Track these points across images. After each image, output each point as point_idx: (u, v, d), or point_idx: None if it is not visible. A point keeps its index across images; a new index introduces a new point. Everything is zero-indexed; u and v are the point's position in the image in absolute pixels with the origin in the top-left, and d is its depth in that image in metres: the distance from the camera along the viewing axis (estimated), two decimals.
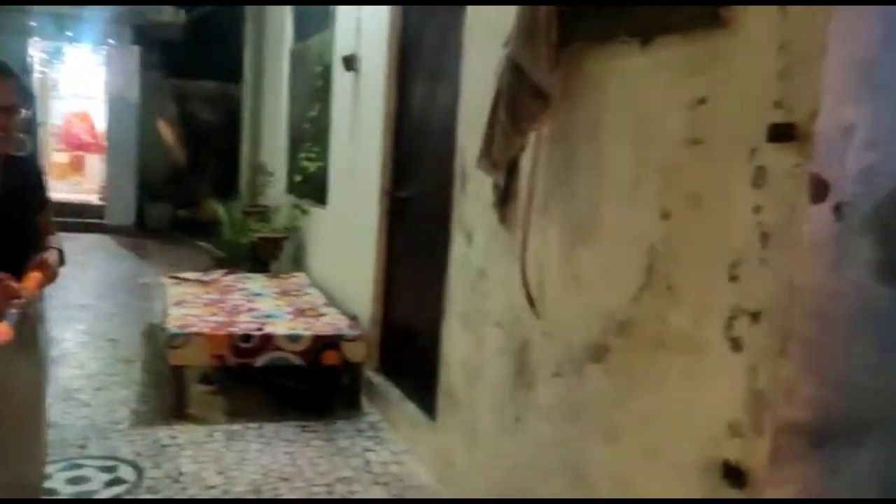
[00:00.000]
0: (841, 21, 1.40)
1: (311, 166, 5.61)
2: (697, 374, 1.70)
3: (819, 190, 1.43)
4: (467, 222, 2.94)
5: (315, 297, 4.77)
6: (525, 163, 2.35)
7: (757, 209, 1.54)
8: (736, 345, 1.59)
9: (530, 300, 2.37)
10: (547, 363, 2.33)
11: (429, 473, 3.21)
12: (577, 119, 2.17)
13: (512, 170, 2.31)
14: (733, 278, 1.60)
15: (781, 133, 1.45)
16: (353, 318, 4.26)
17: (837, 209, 1.45)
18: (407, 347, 3.86)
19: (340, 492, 3.05)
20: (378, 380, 4.04)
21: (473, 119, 2.81)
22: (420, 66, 3.79)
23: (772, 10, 1.51)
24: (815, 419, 1.52)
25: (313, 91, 5.71)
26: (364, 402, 3.95)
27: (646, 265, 1.87)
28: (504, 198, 2.35)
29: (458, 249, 3.02)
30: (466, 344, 2.91)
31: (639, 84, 1.93)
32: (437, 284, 3.21)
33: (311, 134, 5.76)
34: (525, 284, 2.37)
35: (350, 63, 4.67)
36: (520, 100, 2.19)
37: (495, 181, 2.33)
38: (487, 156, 2.28)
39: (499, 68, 2.27)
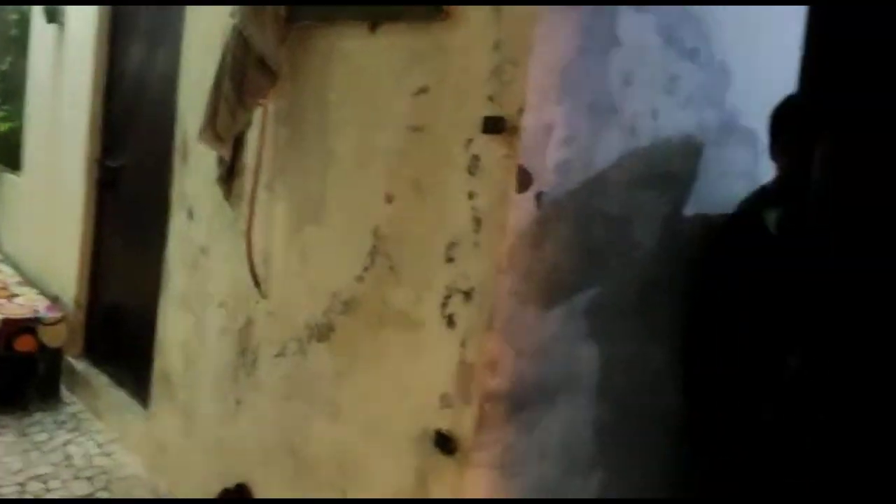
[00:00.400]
0: (545, 26, 1.54)
1: (1, 126, 4.95)
2: (415, 350, 1.78)
3: (524, 180, 1.57)
4: (188, 196, 2.80)
5: (6, 276, 4.23)
6: (251, 138, 2.29)
7: (471, 195, 1.65)
8: (450, 321, 1.69)
9: (255, 279, 2.32)
10: (271, 343, 2.30)
11: (139, 463, 3.02)
12: (305, 97, 2.16)
13: (237, 145, 2.23)
14: (450, 259, 1.70)
15: (493, 126, 1.57)
16: (54, 300, 3.85)
17: (538, 197, 1.60)
18: (117, 331, 3.57)
19: (35, 490, 2.76)
20: (82, 367, 3.71)
21: (196, 88, 2.67)
22: (138, 26, 3.50)
23: (487, 10, 1.62)
24: (513, 387, 1.68)
25: (4, 41, 5.03)
26: (65, 391, 3.60)
27: (370, 246, 1.92)
28: (229, 173, 2.26)
29: (179, 225, 2.86)
30: (186, 326, 2.78)
31: (365, 68, 1.97)
32: (154, 262, 3.01)
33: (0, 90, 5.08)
34: (250, 262, 2.31)
35: (53, 15, 4.18)
36: (246, 73, 2.13)
37: (220, 155, 2.24)
38: (211, 128, 2.18)
39: (225, 38, 2.17)
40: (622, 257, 1.82)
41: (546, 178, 1.60)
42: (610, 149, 1.71)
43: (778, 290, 1.71)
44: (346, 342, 2.01)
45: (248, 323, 2.41)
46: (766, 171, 2.03)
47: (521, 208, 1.59)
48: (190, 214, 2.79)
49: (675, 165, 1.86)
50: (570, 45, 1.58)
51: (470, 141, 1.65)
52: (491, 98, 1.60)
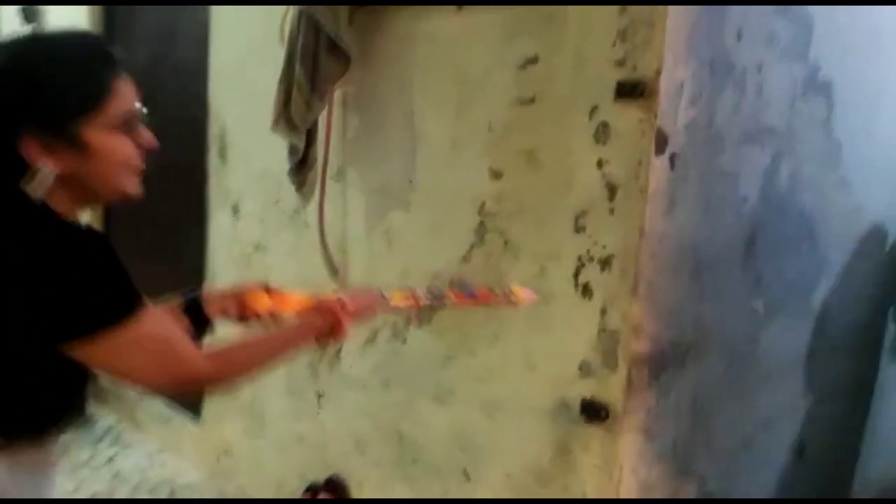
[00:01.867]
0: None
1: None
2: (543, 323, 1.78)
3: (660, 142, 1.58)
4: (232, 193, 2.71)
5: None
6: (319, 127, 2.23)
7: (601, 163, 1.64)
8: (585, 291, 1.69)
9: (332, 268, 2.27)
10: (357, 333, 2.25)
11: (198, 469, 2.94)
12: (381, 82, 2.11)
13: (310, 135, 2.17)
14: (580, 229, 1.69)
15: (629, 90, 1.57)
16: None
17: (672, 159, 1.61)
18: None
19: None
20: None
21: (232, 81, 2.59)
22: (139, 26, 3.36)
23: None
24: (654, 351, 1.69)
25: None
26: (92, 405, 3.47)
27: (477, 224, 1.90)
28: (301, 163, 2.20)
29: (222, 223, 2.78)
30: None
31: (456, 46, 1.93)
32: (183, 263, 2.93)
33: None
34: (325, 252, 2.26)
35: (32, 15, 3.98)
36: (318, 58, 2.06)
37: (293, 145, 2.17)
38: (284, 118, 2.11)
39: (290, 25, 2.10)
40: (734, 212, 1.84)
41: (677, 139, 1.61)
42: (725, 105, 1.72)
43: None
44: (453, 324, 1.99)
45: None
46: (841, 122, 2.09)
47: (658, 171, 1.59)
48: (235, 211, 2.71)
49: (773, 119, 1.89)
50: (695, 5, 1.58)
51: (595, 108, 1.64)
52: (620, 62, 1.59)
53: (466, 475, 1.97)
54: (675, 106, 1.59)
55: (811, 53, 1.96)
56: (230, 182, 2.72)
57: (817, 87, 2.03)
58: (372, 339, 2.20)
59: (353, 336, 2.23)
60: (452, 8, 1.91)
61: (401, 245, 2.11)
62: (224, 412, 2.82)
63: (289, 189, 2.38)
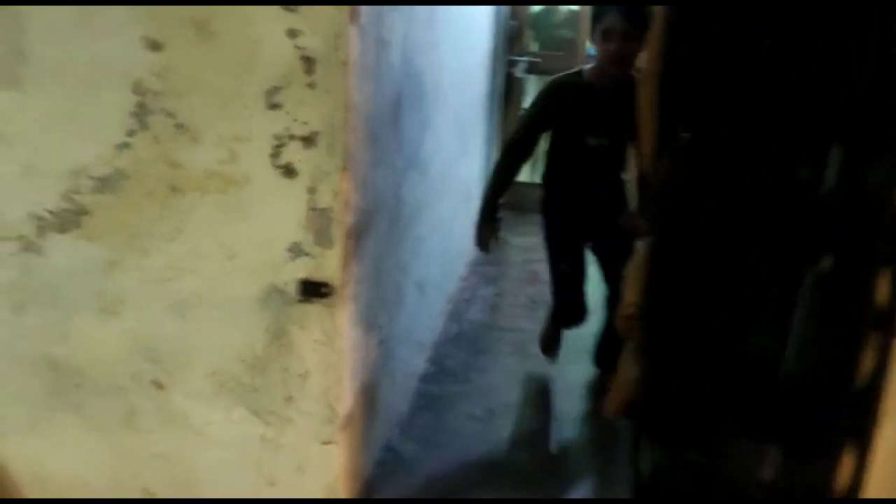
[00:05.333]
0: None
1: None
2: (237, 209, 1.66)
3: (354, 12, 1.55)
4: None
5: None
6: None
7: (293, 33, 1.55)
8: (288, 171, 1.63)
9: None
10: None
11: None
12: None
13: None
14: (274, 106, 1.59)
15: None
16: None
17: (362, 28, 1.60)
18: None
19: None
20: None
21: None
22: None
23: None
24: (357, 222, 1.74)
25: None
26: None
27: (133, 105, 1.63)
28: None
29: None
30: None
31: None
32: None
33: None
34: None
35: None
36: None
37: None
38: None
39: None
40: (388, 79, 1.93)
41: (359, 9, 1.60)
42: None
43: None
44: (113, 224, 1.72)
45: None
46: None
47: (354, 41, 1.57)
48: None
49: None
50: None
51: None
52: None
53: (158, 384, 1.80)
54: None
55: None
56: None
57: None
58: None
59: None
60: None
61: (16, 136, 1.69)
62: None
63: None
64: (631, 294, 1.49)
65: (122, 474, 1.89)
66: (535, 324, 2.98)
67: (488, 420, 2.50)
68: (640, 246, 1.59)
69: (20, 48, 1.63)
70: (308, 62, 1.56)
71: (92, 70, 1.62)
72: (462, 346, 2.98)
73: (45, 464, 1.90)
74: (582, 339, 2.81)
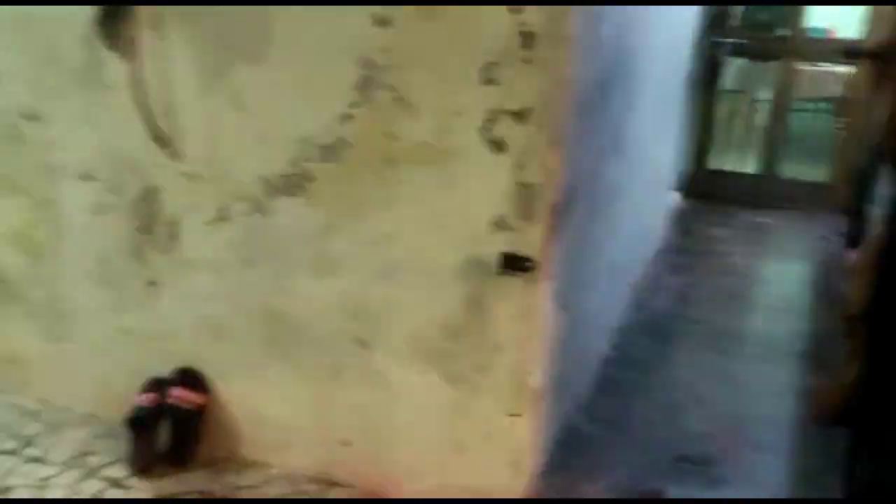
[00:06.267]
0: None
1: None
2: (446, 182, 1.73)
3: None
4: None
5: None
6: None
7: (516, 10, 1.57)
8: (498, 145, 1.66)
9: (159, 138, 1.94)
10: (197, 209, 1.99)
11: None
12: None
13: None
14: (489, 81, 1.63)
15: None
16: None
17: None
18: None
19: None
20: None
21: None
22: None
23: None
24: (561, 199, 1.75)
25: None
26: None
27: (358, 79, 1.73)
28: (113, 12, 1.77)
29: None
30: (16, 212, 2.22)
31: None
32: None
33: None
34: (149, 118, 1.91)
35: None
36: None
37: None
38: None
39: None
40: (598, 57, 1.91)
41: None
42: None
43: None
44: (334, 191, 1.84)
45: (150, 192, 2.03)
46: None
47: (574, 17, 1.57)
48: None
49: None
50: None
51: None
52: None
53: (362, 343, 1.92)
54: None
55: None
56: None
57: None
58: (223, 216, 1.96)
59: (194, 214, 1.99)
60: None
61: (255, 106, 1.85)
62: (2, 318, 2.35)
63: (71, 42, 1.94)
64: (857, 291, 1.39)
65: (323, 423, 2.04)
66: (729, 318, 2.85)
67: (676, 412, 2.43)
68: (868, 241, 1.48)
69: (267, 29, 1.78)
70: (527, 37, 1.58)
71: (324, 46, 1.74)
72: (647, 335, 2.92)
73: (258, 406, 2.08)
74: (783, 339, 2.66)
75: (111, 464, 2.12)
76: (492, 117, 1.65)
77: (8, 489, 2.03)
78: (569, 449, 2.20)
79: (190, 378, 2.11)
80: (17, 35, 2.03)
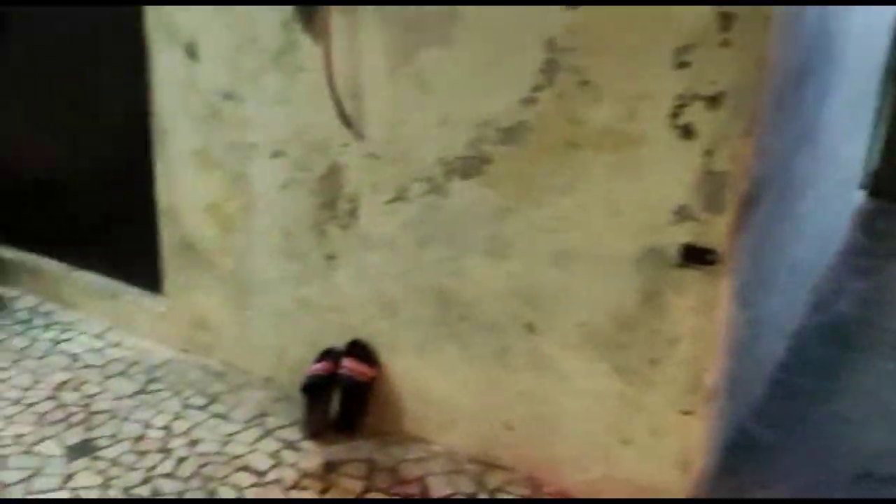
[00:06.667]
0: None
1: None
2: (630, 168, 1.69)
3: None
4: (184, 30, 2.29)
5: None
6: None
7: None
8: (686, 132, 1.60)
9: (345, 118, 2.02)
10: (378, 188, 2.06)
11: (166, 347, 2.69)
12: None
13: None
14: (682, 65, 1.57)
15: None
16: None
17: None
18: (53, 208, 3.00)
19: (74, 399, 2.39)
20: (10, 254, 3.12)
21: None
22: None
23: None
24: (751, 191, 1.66)
25: None
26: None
27: (543, 62, 1.72)
28: None
29: (172, 67, 2.36)
30: (212, 186, 2.39)
31: None
32: (105, 120, 2.55)
33: None
34: (337, 100, 2.00)
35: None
36: None
37: None
38: None
39: None
40: (799, 42, 1.79)
41: None
42: None
43: None
44: (511, 174, 1.84)
45: (334, 170, 2.12)
46: None
47: None
48: (191, 53, 2.30)
49: None
50: None
51: None
52: None
53: (531, 328, 1.92)
54: None
55: None
56: (182, 16, 2.29)
57: None
58: (401, 196, 2.02)
59: (374, 193, 2.05)
60: None
61: (439, 88, 1.89)
62: (194, 284, 2.55)
63: (267, 25, 2.06)
64: None
65: (488, 405, 2.06)
66: None
67: (858, 424, 2.26)
68: None
69: (455, 12, 1.80)
70: (726, 18, 1.51)
71: (511, 28, 1.74)
72: (827, 340, 2.72)
73: (425, 384, 2.14)
74: None
75: (286, 426, 2.25)
76: (682, 102, 1.59)
77: (197, 441, 2.21)
78: (740, 453, 2.10)
79: (361, 351, 2.20)
80: (218, 17, 2.18)
